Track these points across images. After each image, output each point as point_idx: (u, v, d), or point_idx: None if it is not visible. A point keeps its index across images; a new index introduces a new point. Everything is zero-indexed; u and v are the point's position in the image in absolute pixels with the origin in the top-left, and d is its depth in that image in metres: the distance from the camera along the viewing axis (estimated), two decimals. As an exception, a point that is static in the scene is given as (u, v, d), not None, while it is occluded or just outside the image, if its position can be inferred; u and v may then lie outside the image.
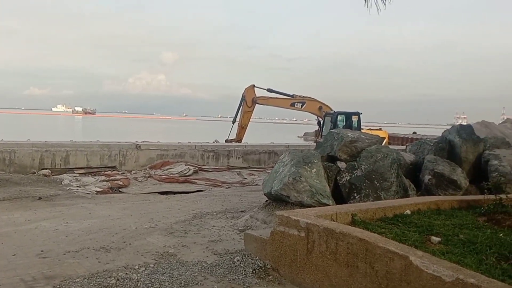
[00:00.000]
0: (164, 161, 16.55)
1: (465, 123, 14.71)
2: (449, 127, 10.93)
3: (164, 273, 5.21)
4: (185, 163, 16.51)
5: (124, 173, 15.14)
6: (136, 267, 5.40)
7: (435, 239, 4.77)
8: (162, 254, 6.02)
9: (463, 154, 9.24)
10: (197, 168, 16.23)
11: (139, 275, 5.10)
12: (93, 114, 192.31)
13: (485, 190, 6.89)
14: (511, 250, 4.42)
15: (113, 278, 4.96)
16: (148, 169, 15.92)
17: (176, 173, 15.23)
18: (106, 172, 14.97)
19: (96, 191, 12.31)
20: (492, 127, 15.27)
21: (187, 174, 15.27)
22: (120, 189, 12.95)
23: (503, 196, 6.40)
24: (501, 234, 5.02)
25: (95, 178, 13.86)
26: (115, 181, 13.61)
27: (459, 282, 3.50)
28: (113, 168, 15.74)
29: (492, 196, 6.47)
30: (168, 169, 15.83)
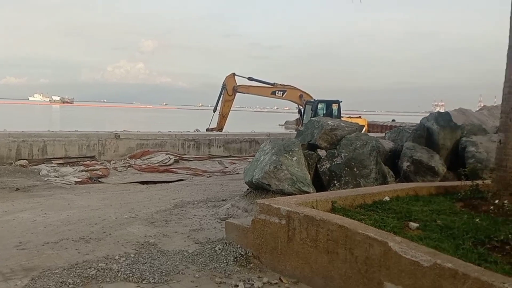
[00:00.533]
0: (144, 150, 16.41)
1: (443, 111, 14.94)
2: (427, 114, 11.07)
3: (145, 262, 5.19)
4: (165, 152, 16.40)
5: (103, 163, 14.96)
6: (117, 257, 5.36)
7: (413, 224, 4.85)
8: (142, 244, 5.98)
9: (441, 141, 9.39)
10: (177, 157, 16.15)
11: (119, 265, 5.07)
12: (71, 103, 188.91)
13: (462, 176, 7.03)
14: (487, 235, 4.52)
15: (93, 268, 4.92)
16: (127, 158, 15.77)
17: (157, 163, 15.13)
18: (85, 162, 14.77)
19: (74, 181, 12.15)
20: (469, 114, 15.55)
21: (167, 164, 15.19)
22: (100, 179, 12.82)
23: (479, 182, 6.53)
24: (477, 220, 5.13)
25: (73, 168, 13.68)
26: (94, 171, 13.46)
27: (436, 266, 3.58)
28: (92, 158, 15.54)
29: (468, 182, 6.60)
30: (148, 158, 15.72)
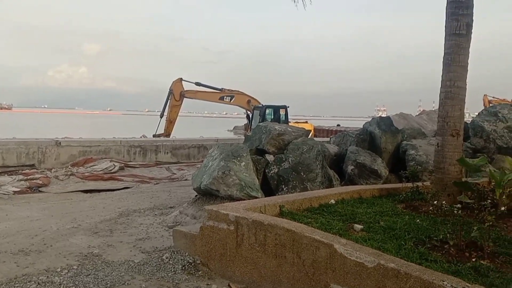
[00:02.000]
0: (87, 157, 15.84)
1: (385, 115, 15.49)
2: (370, 119, 11.45)
3: (89, 274, 5.03)
4: (110, 159, 15.91)
5: (43, 171, 14.29)
6: (58, 269, 5.16)
7: (358, 226, 4.98)
8: (86, 255, 5.79)
9: (383, 145, 9.73)
10: (123, 165, 15.71)
11: (61, 278, 4.89)
12: (9, 109, 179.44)
13: (403, 179, 7.32)
14: (427, 235, 4.73)
15: (33, 282, 4.72)
16: (70, 166, 15.15)
17: (101, 170, 14.64)
18: (24, 171, 14.03)
19: (13, 191, 11.51)
20: (410, 118, 16.22)
21: (112, 171, 14.74)
22: (40, 189, 12.22)
23: (419, 183, 6.84)
24: (418, 220, 5.35)
25: (11, 178, 12.95)
26: (34, 180, 12.82)
27: (380, 267, 3.69)
28: (32, 166, 14.80)
29: (409, 184, 6.88)
30: (91, 166, 15.17)
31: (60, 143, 15.68)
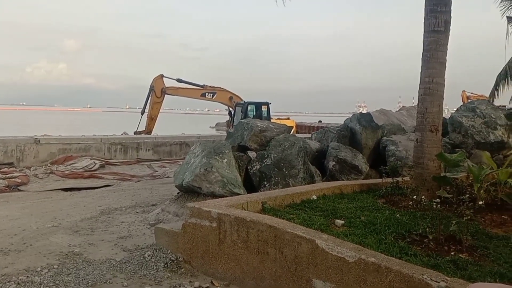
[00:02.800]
0: (67, 155, 15.63)
1: (365, 111, 15.63)
2: (351, 115, 11.53)
3: (70, 273, 4.97)
4: (90, 157, 15.73)
5: (22, 169, 14.05)
6: (39, 269, 5.09)
7: (339, 222, 5.03)
8: (67, 254, 5.71)
9: (363, 141, 9.82)
10: (103, 162, 15.55)
11: (42, 277, 4.82)
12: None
13: (384, 174, 7.41)
14: (407, 229, 4.80)
15: (13, 282, 4.64)
16: (49, 164, 14.94)
17: (81, 168, 14.47)
18: (2, 170, 13.79)
19: (-10, 190, 11.31)
20: (390, 114, 16.37)
21: (92, 169, 14.58)
22: (19, 187, 12.03)
23: (399, 179, 6.93)
24: (398, 215, 5.43)
25: (-11, 177, 12.72)
26: (13, 179, 12.60)
27: (361, 261, 3.74)
28: (10, 164, 14.55)
29: (389, 179, 6.97)
30: (71, 164, 14.99)
31: (39, 141, 15.44)
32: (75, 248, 5.96)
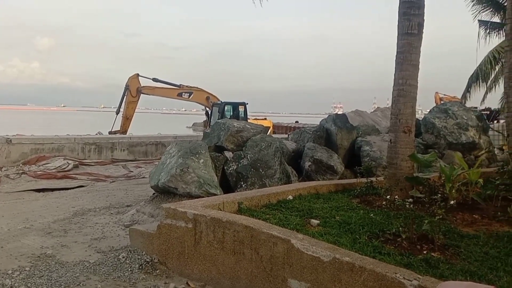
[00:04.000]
0: (40, 155, 15.31)
1: (341, 112, 15.81)
2: (327, 116, 11.64)
3: (42, 276, 4.88)
4: (63, 157, 15.45)
5: (-7, 170, 13.71)
6: (10, 271, 4.99)
7: (315, 221, 5.07)
8: (39, 256, 5.61)
9: (339, 141, 9.92)
10: (77, 163, 15.29)
11: (13, 280, 4.72)
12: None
13: (358, 174, 7.49)
14: (381, 229, 4.87)
15: (-18, 286, 4.51)
16: (21, 165, 14.60)
17: (54, 169, 14.19)
18: (-29, 170, 13.42)
19: (-41, 191, 10.97)
20: (365, 115, 16.54)
21: (66, 169, 14.31)
22: (-11, 189, 11.71)
23: (373, 179, 7.02)
24: (372, 214, 5.50)
25: (-43, 178, 12.35)
26: (-18, 180, 12.27)
27: (336, 261, 3.77)
28: (-20, 165, 14.17)
29: (364, 179, 7.06)
30: (44, 164, 14.68)
31: (10, 140, 15.08)
32: (47, 250, 5.86)
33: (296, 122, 55.76)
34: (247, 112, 25.34)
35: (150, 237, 5.37)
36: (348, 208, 5.88)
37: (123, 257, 5.34)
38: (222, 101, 25.29)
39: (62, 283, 4.69)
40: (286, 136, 14.77)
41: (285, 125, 49.57)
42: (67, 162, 14.87)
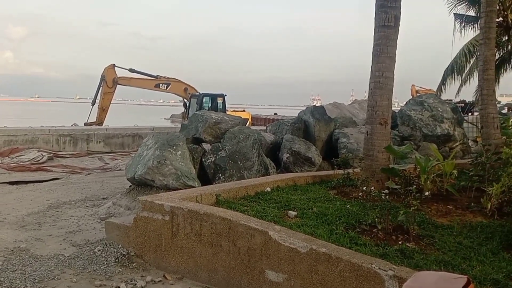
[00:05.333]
0: (13, 147, 14.97)
1: (319, 104, 15.91)
2: (305, 108, 11.67)
3: (15, 270, 4.79)
4: (37, 149, 15.13)
5: (-37, 162, 13.34)
6: (-19, 266, 4.85)
7: (292, 213, 5.09)
8: (12, 250, 5.50)
9: (317, 133, 9.97)
10: (51, 155, 15.00)
11: (-16, 275, 4.59)
12: None
13: (336, 166, 7.54)
14: (357, 220, 4.92)
15: (-47, 281, 4.39)
16: (-6, 157, 14.26)
17: (28, 161, 13.89)
18: None
19: None
20: (342, 107, 16.75)
21: (40, 161, 14.02)
22: (-40, 181, 11.39)
23: (350, 170, 7.09)
24: (348, 206, 5.55)
25: None
26: (-47, 172, 11.94)
27: (312, 252, 3.80)
28: (-50, 157, 13.78)
29: (341, 171, 7.12)
30: (18, 156, 14.36)
31: (-18, 132, 14.70)
32: (21, 244, 5.74)
33: (275, 114, 55.82)
34: (226, 103, 25.24)
35: (126, 230, 5.31)
36: (325, 199, 5.92)
37: (98, 251, 5.27)
38: (201, 93, 25.12)
39: (36, 277, 4.60)
40: (265, 128, 14.79)
41: (264, 117, 49.55)
42: (41, 154, 14.58)
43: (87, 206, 8.16)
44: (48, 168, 13.35)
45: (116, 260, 5.04)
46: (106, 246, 5.36)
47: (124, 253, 5.17)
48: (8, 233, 6.27)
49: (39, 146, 15.63)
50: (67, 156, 15.59)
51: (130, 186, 8.23)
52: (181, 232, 4.79)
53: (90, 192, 9.58)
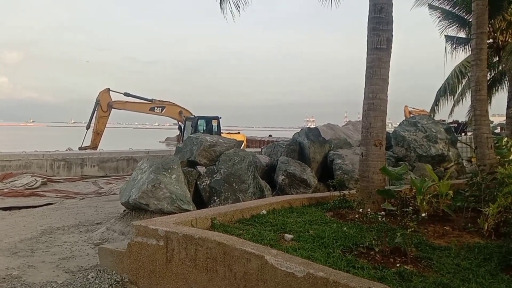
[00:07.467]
0: (6, 173, 14.88)
1: (314, 126, 15.97)
2: (300, 129, 11.70)
3: (6, 299, 4.67)
4: (31, 174, 15.04)
5: (-44, 188, 13.21)
6: (-28, 295, 4.75)
7: (288, 236, 5.03)
8: (4, 278, 5.40)
9: (312, 155, 9.97)
10: (45, 179, 14.90)
11: (-25, 304, 4.49)
12: None
13: (331, 187, 7.52)
14: (354, 242, 4.87)
15: None
16: (-14, 183, 14.13)
17: (21, 186, 13.78)
18: None
19: None
20: (337, 129, 16.78)
21: (34, 187, 13.92)
22: (-48, 207, 11.23)
23: (346, 192, 7.06)
24: (345, 228, 5.50)
25: None
26: None
27: (310, 276, 3.73)
28: None
29: (337, 193, 7.09)
30: (11, 181, 14.26)
31: (-25, 157, 14.60)
32: (13, 271, 5.65)
33: (270, 136, 55.91)
34: (221, 126, 25.29)
35: (120, 255, 5.22)
36: (321, 222, 5.87)
37: (92, 277, 5.17)
38: (195, 116, 25.18)
39: (27, 306, 4.50)
40: (260, 150, 14.78)
41: (259, 139, 49.61)
42: (35, 179, 14.48)
43: (81, 231, 8.05)
44: (41, 193, 13.24)
45: (110, 287, 4.94)
46: (100, 272, 5.26)
47: (118, 279, 5.07)
48: (0, 260, 6.16)
49: (33, 171, 15.56)
50: (61, 180, 15.50)
51: (124, 210, 8.16)
52: (176, 257, 4.71)
53: (84, 217, 9.47)
